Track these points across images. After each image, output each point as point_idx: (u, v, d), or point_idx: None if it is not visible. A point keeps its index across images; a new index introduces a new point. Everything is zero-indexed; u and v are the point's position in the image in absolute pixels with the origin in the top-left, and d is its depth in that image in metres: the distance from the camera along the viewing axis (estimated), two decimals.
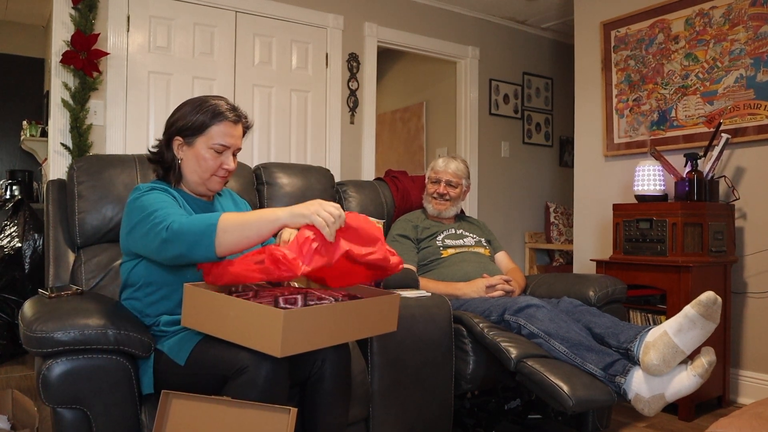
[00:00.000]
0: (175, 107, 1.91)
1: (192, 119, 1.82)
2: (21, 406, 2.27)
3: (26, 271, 3.99)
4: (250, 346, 1.48)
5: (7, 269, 3.95)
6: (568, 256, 5.27)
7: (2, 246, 4.03)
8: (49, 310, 1.66)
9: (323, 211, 1.53)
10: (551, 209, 5.39)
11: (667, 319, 2.94)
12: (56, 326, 1.58)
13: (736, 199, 3.21)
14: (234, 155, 1.90)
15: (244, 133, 1.92)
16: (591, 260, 3.46)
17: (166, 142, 1.88)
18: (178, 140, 1.85)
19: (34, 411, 2.22)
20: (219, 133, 1.83)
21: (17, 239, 4.03)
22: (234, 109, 1.88)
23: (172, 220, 1.60)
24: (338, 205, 1.58)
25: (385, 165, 6.14)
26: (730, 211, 3.19)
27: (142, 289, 1.80)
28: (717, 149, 3.13)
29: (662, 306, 3.08)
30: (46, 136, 4.70)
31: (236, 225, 1.55)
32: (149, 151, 1.94)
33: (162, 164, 1.90)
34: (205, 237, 1.54)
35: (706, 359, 1.97)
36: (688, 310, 1.98)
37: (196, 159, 1.84)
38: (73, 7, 3.44)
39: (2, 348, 3.82)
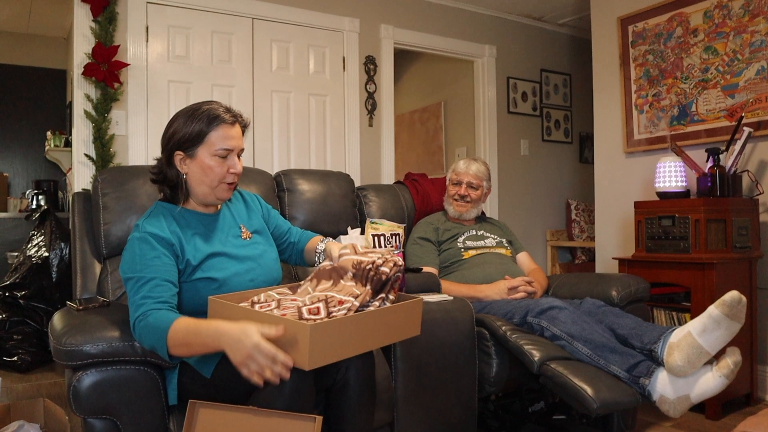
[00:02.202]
0: (168, 121, 1.85)
1: (188, 130, 1.77)
2: (52, 415, 2.31)
3: (54, 279, 4.07)
4: None
5: (35, 278, 4.03)
6: (590, 253, 5.23)
7: (30, 255, 4.11)
8: (77, 323, 1.70)
9: (253, 365, 1.44)
10: (572, 206, 5.36)
11: (691, 316, 2.93)
12: (85, 339, 1.62)
13: (760, 194, 3.17)
14: (239, 157, 1.85)
15: (243, 132, 1.87)
16: (613, 258, 3.43)
17: (166, 160, 1.82)
18: (179, 155, 1.80)
19: (65, 419, 2.27)
20: (219, 137, 1.77)
21: (44, 249, 4.10)
22: (228, 110, 1.82)
23: (139, 315, 1.60)
24: (274, 355, 1.42)
25: (404, 166, 6.15)
26: (754, 205, 3.15)
27: None
28: (739, 143, 3.09)
29: (686, 303, 3.05)
30: (70, 146, 4.77)
31: (182, 344, 1.55)
32: (150, 171, 1.89)
33: (167, 183, 1.85)
34: (158, 350, 1.58)
35: (731, 360, 1.96)
36: (712, 310, 1.97)
37: (202, 169, 1.79)
38: (93, 20, 3.49)
39: (32, 355, 3.89)
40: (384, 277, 1.72)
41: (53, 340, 1.66)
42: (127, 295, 1.68)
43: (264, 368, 1.43)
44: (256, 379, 1.45)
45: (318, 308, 1.60)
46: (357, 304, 1.63)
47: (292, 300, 1.68)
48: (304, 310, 1.57)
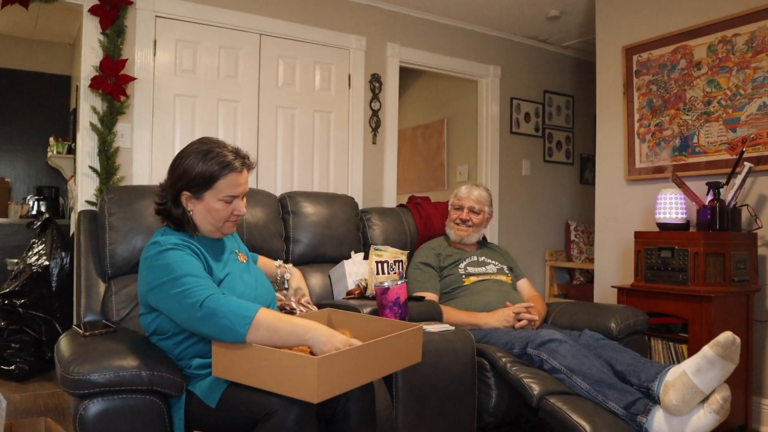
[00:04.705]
0: (177, 157, 1.87)
1: (199, 174, 1.81)
2: None
3: (53, 288, 4.08)
4: (285, 393, 1.51)
5: (34, 287, 4.03)
6: (589, 274, 5.26)
7: (30, 264, 4.12)
8: (84, 351, 1.71)
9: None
10: (572, 227, 5.39)
11: (688, 348, 2.96)
12: (92, 368, 1.63)
13: (759, 228, 3.20)
14: (243, 198, 1.91)
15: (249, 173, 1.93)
16: (612, 287, 3.46)
17: (173, 198, 1.85)
18: (185, 194, 1.84)
19: None
20: (227, 185, 1.83)
21: (45, 257, 4.11)
22: (237, 155, 1.86)
23: (206, 297, 1.62)
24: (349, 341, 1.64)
25: (406, 181, 6.17)
26: (752, 239, 3.18)
27: (171, 338, 1.82)
28: (740, 177, 3.12)
29: (684, 335, 3.07)
30: (73, 153, 4.79)
31: (268, 327, 1.60)
32: (155, 201, 1.91)
33: (173, 220, 1.87)
34: (237, 327, 1.58)
35: (720, 395, 1.99)
36: (707, 350, 2.00)
37: (207, 211, 1.84)
38: (102, 33, 3.51)
39: (30, 364, 3.89)
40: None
41: (60, 367, 1.67)
42: (164, 297, 1.69)
43: None
44: None
45: None
46: None
47: None
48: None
